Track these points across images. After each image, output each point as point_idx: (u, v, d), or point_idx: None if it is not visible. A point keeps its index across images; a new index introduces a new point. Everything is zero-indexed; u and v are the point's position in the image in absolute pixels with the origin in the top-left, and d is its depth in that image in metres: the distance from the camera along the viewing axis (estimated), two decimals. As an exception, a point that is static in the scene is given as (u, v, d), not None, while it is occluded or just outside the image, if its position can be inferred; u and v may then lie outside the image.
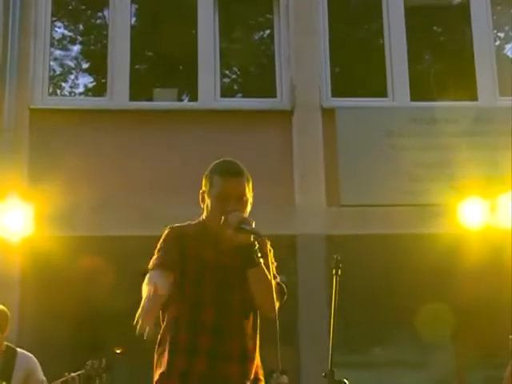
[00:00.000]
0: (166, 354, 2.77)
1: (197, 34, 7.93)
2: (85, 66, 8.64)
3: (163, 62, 8.68)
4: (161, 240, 2.91)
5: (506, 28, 8.81)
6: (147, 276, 2.73)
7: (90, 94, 8.47)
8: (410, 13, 8.04)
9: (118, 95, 7.65)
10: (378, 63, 8.03)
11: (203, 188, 2.98)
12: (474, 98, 7.83)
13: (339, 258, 3.44)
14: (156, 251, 2.88)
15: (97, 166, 7.14)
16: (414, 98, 7.77)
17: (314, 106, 7.61)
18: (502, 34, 8.84)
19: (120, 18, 7.90)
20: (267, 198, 7.08)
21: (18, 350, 4.72)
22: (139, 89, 8.08)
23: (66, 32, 8.49)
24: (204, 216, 2.94)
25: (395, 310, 8.39)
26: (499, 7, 8.63)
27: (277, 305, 2.77)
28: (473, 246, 6.64)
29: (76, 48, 8.60)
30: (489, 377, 8.66)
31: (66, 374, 4.53)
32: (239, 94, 8.86)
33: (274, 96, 7.84)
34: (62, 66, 8.39)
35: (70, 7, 8.75)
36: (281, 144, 7.58)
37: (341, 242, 6.78)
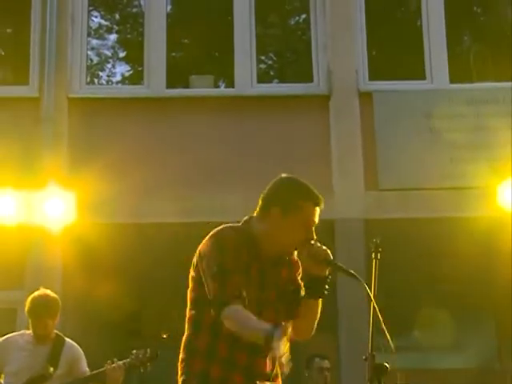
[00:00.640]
0: (199, 361, 2.71)
1: (233, 20, 7.93)
2: (121, 54, 8.70)
3: (199, 48, 8.70)
4: (213, 252, 2.74)
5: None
6: (230, 311, 2.61)
7: (126, 82, 8.53)
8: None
9: (155, 83, 7.69)
10: (415, 45, 7.94)
11: (279, 204, 2.80)
12: (512, 78, 7.72)
13: (379, 241, 3.45)
14: (213, 270, 2.70)
15: (135, 153, 7.20)
16: (453, 79, 7.67)
17: (351, 90, 7.57)
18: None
19: (155, 5, 7.93)
20: (305, 184, 7.08)
21: (66, 339, 4.82)
22: (176, 76, 8.11)
23: (102, 21, 8.56)
24: (259, 222, 2.82)
25: (436, 293, 8.35)
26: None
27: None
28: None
29: (112, 37, 8.66)
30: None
31: (109, 361, 4.59)
32: (276, 80, 8.85)
33: (311, 81, 7.82)
34: (99, 55, 8.46)
35: (107, -4, 8.82)
36: (318, 129, 7.56)
37: (380, 227, 6.76)
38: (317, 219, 2.84)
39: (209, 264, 2.71)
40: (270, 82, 8.53)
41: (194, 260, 2.82)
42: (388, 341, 2.77)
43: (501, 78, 7.78)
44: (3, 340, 4.80)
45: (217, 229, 2.82)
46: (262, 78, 8.15)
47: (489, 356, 10.26)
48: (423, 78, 7.76)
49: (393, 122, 7.43)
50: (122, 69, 8.56)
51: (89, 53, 8.18)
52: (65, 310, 5.83)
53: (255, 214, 2.87)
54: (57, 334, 4.80)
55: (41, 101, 7.39)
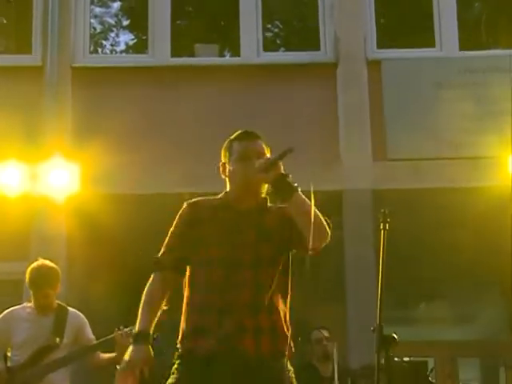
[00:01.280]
0: (183, 314, 2.96)
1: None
2: (125, 23, 8.65)
3: (204, 17, 8.65)
4: (175, 221, 3.08)
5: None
6: (150, 282, 3.05)
7: (130, 51, 8.49)
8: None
9: (159, 52, 7.64)
10: (425, 11, 7.86)
11: (222, 159, 3.11)
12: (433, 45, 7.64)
13: (387, 212, 3.43)
14: (168, 234, 3.07)
15: (139, 123, 7.18)
16: (463, 47, 7.58)
17: (358, 58, 7.50)
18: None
19: (159, -27, 7.85)
20: (312, 154, 7.05)
21: (69, 308, 4.84)
22: (180, 45, 8.06)
23: (105, -11, 8.50)
24: (227, 189, 3.07)
25: (445, 264, 8.35)
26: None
27: (329, 235, 2.84)
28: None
29: (116, 5, 8.62)
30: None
31: (116, 329, 4.61)
32: (282, 48, 8.78)
33: (318, 49, 7.74)
34: (102, 23, 8.42)
35: (110, -37, 8.74)
36: (325, 98, 7.50)
37: (388, 197, 6.74)
38: (256, 150, 2.98)
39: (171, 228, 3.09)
40: (277, 50, 8.47)
41: None
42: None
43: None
44: (6, 313, 4.81)
45: None
46: (268, 46, 8.08)
47: (498, 327, 10.30)
48: (433, 45, 7.69)
49: (402, 90, 7.37)
50: (126, 37, 8.54)
51: (92, 21, 8.13)
52: (70, 279, 5.88)
53: None
54: (59, 304, 4.81)
55: (44, 70, 7.34)
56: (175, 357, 2.91)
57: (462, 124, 7.24)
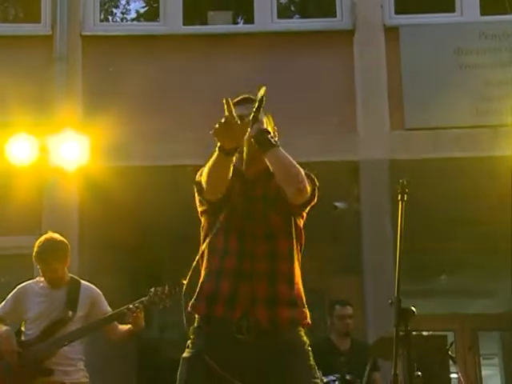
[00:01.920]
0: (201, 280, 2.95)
1: (251, -48, 7.78)
2: (135, -9, 8.60)
3: (217, -17, 8.59)
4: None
5: None
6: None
7: (141, 19, 8.45)
8: None
9: (171, 20, 7.60)
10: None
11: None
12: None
13: (405, 182, 3.42)
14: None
15: (151, 93, 7.16)
16: (484, 11, 7.48)
17: (376, 25, 7.43)
18: None
19: None
20: (327, 123, 7.02)
21: (82, 281, 4.87)
22: (193, 12, 8.01)
23: (113, -47, 8.45)
24: None
25: (465, 236, 8.33)
26: None
27: (307, 188, 2.86)
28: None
29: (126, -29, 8.56)
30: None
31: (129, 304, 4.64)
32: (297, 15, 8.72)
33: (334, 15, 7.68)
34: (118, -10, 8.38)
35: None
36: (341, 66, 7.45)
37: (406, 168, 6.70)
38: (243, 111, 2.93)
39: None
40: (291, 17, 8.41)
41: None
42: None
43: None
44: (19, 288, 4.86)
45: None
46: (283, 13, 8.03)
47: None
48: (452, 10, 7.60)
49: (420, 57, 7.30)
50: (137, 5, 8.49)
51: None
52: (82, 252, 5.92)
53: None
54: (71, 278, 4.85)
55: (53, 39, 7.32)
56: (192, 323, 2.92)
57: (483, 91, 7.18)
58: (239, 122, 2.80)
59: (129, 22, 8.36)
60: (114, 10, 8.45)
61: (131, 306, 4.61)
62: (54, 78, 7.20)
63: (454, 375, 8.50)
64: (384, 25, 7.44)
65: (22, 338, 4.69)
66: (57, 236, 4.82)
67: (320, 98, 7.22)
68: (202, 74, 7.36)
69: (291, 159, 2.86)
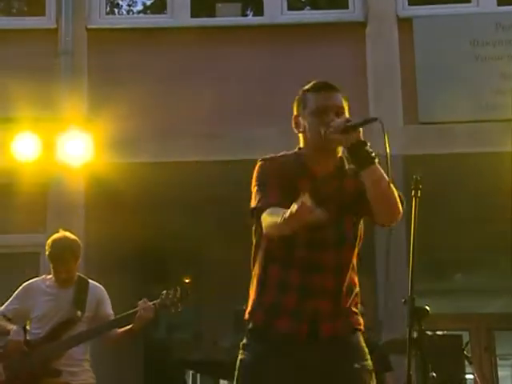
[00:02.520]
0: (254, 290, 2.86)
1: None
2: (143, -19, 8.60)
3: (225, -27, 8.57)
4: (256, 175, 2.87)
5: None
6: (268, 212, 2.70)
7: (148, 11, 8.45)
8: None
9: (179, 12, 7.60)
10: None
11: (295, 112, 2.95)
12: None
13: (419, 178, 3.42)
14: (255, 189, 2.84)
15: (158, 88, 7.16)
16: (501, 1, 7.47)
17: (389, 16, 7.41)
18: None
19: None
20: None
21: (90, 280, 4.89)
22: (201, 4, 8.01)
23: None
24: (301, 144, 2.92)
25: (481, 234, 8.31)
26: None
27: (401, 213, 2.76)
28: None
29: (134, -38, 8.55)
30: None
31: (140, 303, 4.63)
32: (308, 7, 8.70)
33: (346, 7, 7.66)
34: (118, -18, 8.38)
35: None
36: (354, 58, 7.44)
37: (420, 162, 6.68)
38: (334, 103, 2.85)
39: (253, 185, 2.86)
40: (302, 9, 8.39)
41: None
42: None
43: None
44: (26, 286, 4.87)
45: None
46: (293, 4, 8.00)
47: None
48: (468, 0, 7.58)
49: (434, 49, 7.27)
50: (144, -3, 8.48)
51: (107, -21, 8.10)
52: (88, 250, 5.93)
53: None
54: (79, 276, 4.86)
55: (58, 33, 7.33)
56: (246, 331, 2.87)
57: (500, 84, 7.15)
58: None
59: (135, 15, 8.36)
60: (120, 3, 8.44)
61: (142, 305, 4.60)
62: (59, 72, 7.20)
63: (469, 376, 8.49)
64: (397, 16, 7.42)
65: (28, 338, 4.70)
66: (69, 234, 4.84)
67: (332, 92, 7.21)
68: (209, 67, 7.36)
69: (387, 179, 2.72)
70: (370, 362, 2.87)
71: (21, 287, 4.88)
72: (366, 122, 2.70)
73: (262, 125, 6.93)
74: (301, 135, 2.91)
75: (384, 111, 7.21)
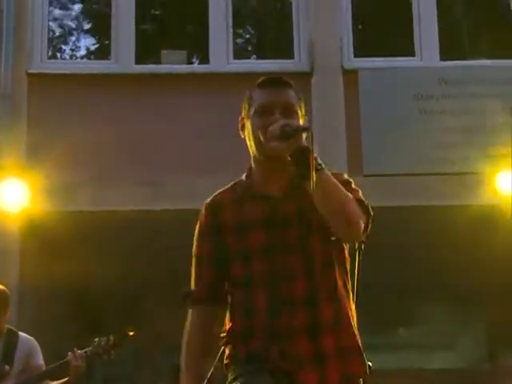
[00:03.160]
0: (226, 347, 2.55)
1: (207, -9, 7.87)
2: (87, 26, 8.63)
3: (171, 21, 8.65)
4: (195, 236, 2.65)
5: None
6: (187, 323, 2.56)
7: (92, 57, 8.46)
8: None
9: (123, 58, 7.61)
10: (404, 19, 7.92)
11: (242, 113, 2.66)
12: (511, 55, 7.70)
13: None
14: (193, 257, 2.65)
15: (100, 135, 7.11)
16: (444, 56, 7.64)
17: (334, 68, 7.52)
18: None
19: (124, -27, 7.84)
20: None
21: (20, 333, 4.76)
22: (146, 51, 8.04)
23: (65, -11, 8.47)
24: (252, 160, 2.59)
25: (423, 288, 8.37)
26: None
27: (361, 224, 2.44)
28: (507, 219, 6.56)
29: (77, 7, 8.60)
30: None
31: (70, 353, 4.55)
32: (254, 56, 8.79)
33: (292, 57, 7.76)
34: (61, 26, 8.38)
35: (71, -38, 8.71)
36: (299, 109, 7.50)
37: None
38: (280, 99, 2.56)
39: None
40: (248, 57, 8.47)
41: None
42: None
43: (496, 55, 7.77)
44: None
45: None
46: (239, 53, 8.09)
47: (478, 355, 10.32)
48: (412, 54, 7.74)
49: (379, 102, 7.39)
50: (87, 42, 8.50)
51: (51, 24, 8.10)
52: (22, 298, 5.81)
53: None
54: (8, 329, 4.74)
55: (-3, 76, 7.28)
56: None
57: (443, 138, 7.28)
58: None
59: (78, 60, 8.34)
60: (63, 47, 8.43)
61: (72, 354, 4.51)
62: (-3, 116, 7.13)
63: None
64: (343, 68, 7.53)
65: (-47, 393, 4.55)
66: None
67: (276, 142, 7.25)
68: (154, 113, 7.35)
69: (339, 186, 2.44)
70: None
71: None
72: (300, 129, 2.41)
73: (202, 174, 6.91)
74: (248, 142, 2.60)
75: (328, 163, 7.25)
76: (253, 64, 8.12)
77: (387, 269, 7.46)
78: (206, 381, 2.57)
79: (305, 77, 7.51)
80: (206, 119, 7.33)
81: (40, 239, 6.75)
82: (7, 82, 7.25)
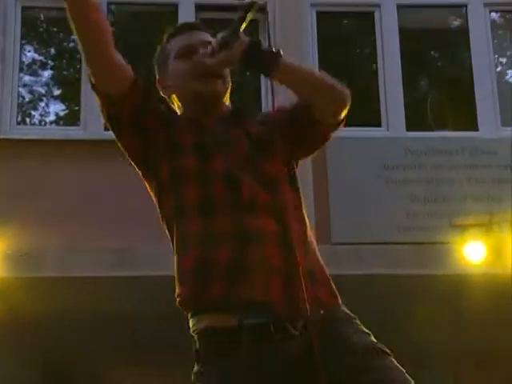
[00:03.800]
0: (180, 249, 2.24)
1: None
2: (56, 92, 8.67)
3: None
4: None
5: (508, 53, 8.94)
6: None
7: (61, 122, 8.49)
8: (405, 36, 8.13)
9: (92, 124, 7.64)
10: (370, 90, 8.10)
11: (157, 76, 2.40)
12: (474, 128, 7.89)
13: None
14: None
15: (68, 201, 7.12)
16: (409, 127, 7.82)
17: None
18: (503, 60, 8.96)
19: (95, 41, 7.93)
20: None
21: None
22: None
23: (36, 56, 8.54)
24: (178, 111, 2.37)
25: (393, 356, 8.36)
26: (500, 31, 8.77)
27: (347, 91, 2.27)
28: (474, 289, 6.65)
29: (47, 73, 8.63)
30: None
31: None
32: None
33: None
34: (31, 92, 8.42)
35: (41, 29, 8.81)
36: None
37: (333, 282, 6.76)
38: (192, 39, 2.30)
39: None
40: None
41: None
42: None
43: (460, 127, 7.97)
44: None
45: None
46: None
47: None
48: (378, 125, 7.89)
49: (346, 171, 7.49)
50: (57, 108, 8.53)
51: (20, 90, 8.14)
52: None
53: None
54: None
55: (-36, 142, 7.29)
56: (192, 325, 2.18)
57: (410, 207, 7.38)
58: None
59: (47, 126, 8.38)
60: (33, 113, 8.47)
61: None
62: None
63: None
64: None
65: None
66: None
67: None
68: (123, 180, 7.36)
69: (304, 66, 2.28)
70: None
71: None
72: (244, 11, 2.08)
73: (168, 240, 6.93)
74: (174, 99, 2.36)
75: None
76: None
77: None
78: None
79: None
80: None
81: (3, 306, 6.69)
82: (-26, 147, 7.25)
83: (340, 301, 2.33)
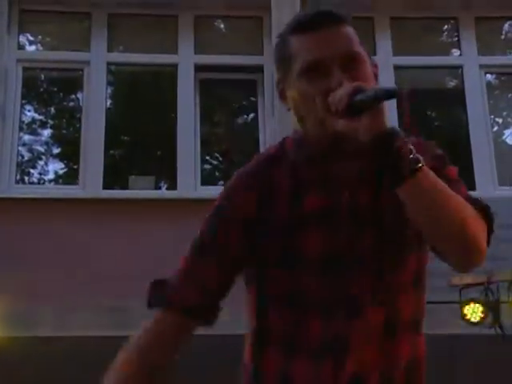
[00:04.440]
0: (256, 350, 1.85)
1: (176, 118, 8.11)
2: (55, 151, 8.74)
3: (140, 147, 8.80)
4: (213, 208, 1.90)
5: (504, 113, 9.07)
6: (141, 330, 1.85)
7: (60, 181, 8.55)
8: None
9: (91, 183, 7.74)
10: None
11: (277, 75, 1.81)
12: (472, 187, 7.95)
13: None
14: (200, 231, 1.89)
15: (66, 259, 7.16)
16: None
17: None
18: (499, 120, 9.08)
19: (94, 100, 8.08)
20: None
21: None
22: (114, 176, 8.17)
23: (36, 115, 8.66)
24: (297, 124, 1.83)
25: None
26: (496, 91, 8.91)
27: (485, 246, 1.67)
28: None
29: (46, 132, 8.72)
30: None
31: None
32: (221, 182, 8.97)
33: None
34: (30, 151, 8.50)
35: (41, 89, 8.95)
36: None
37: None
38: (325, 49, 1.67)
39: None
40: (215, 184, 8.64)
41: None
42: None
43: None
44: None
45: None
46: (207, 179, 8.25)
47: None
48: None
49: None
50: (56, 167, 8.59)
51: (20, 149, 8.23)
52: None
53: None
54: None
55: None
56: None
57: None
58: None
59: (46, 184, 8.44)
60: (32, 171, 8.54)
61: None
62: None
63: None
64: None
65: None
66: None
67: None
68: (121, 238, 7.41)
69: (448, 191, 1.64)
70: None
71: None
72: (379, 95, 1.53)
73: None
74: (292, 109, 1.80)
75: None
76: (219, 190, 8.24)
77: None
78: None
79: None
80: (171, 243, 7.40)
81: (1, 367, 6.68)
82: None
83: None
